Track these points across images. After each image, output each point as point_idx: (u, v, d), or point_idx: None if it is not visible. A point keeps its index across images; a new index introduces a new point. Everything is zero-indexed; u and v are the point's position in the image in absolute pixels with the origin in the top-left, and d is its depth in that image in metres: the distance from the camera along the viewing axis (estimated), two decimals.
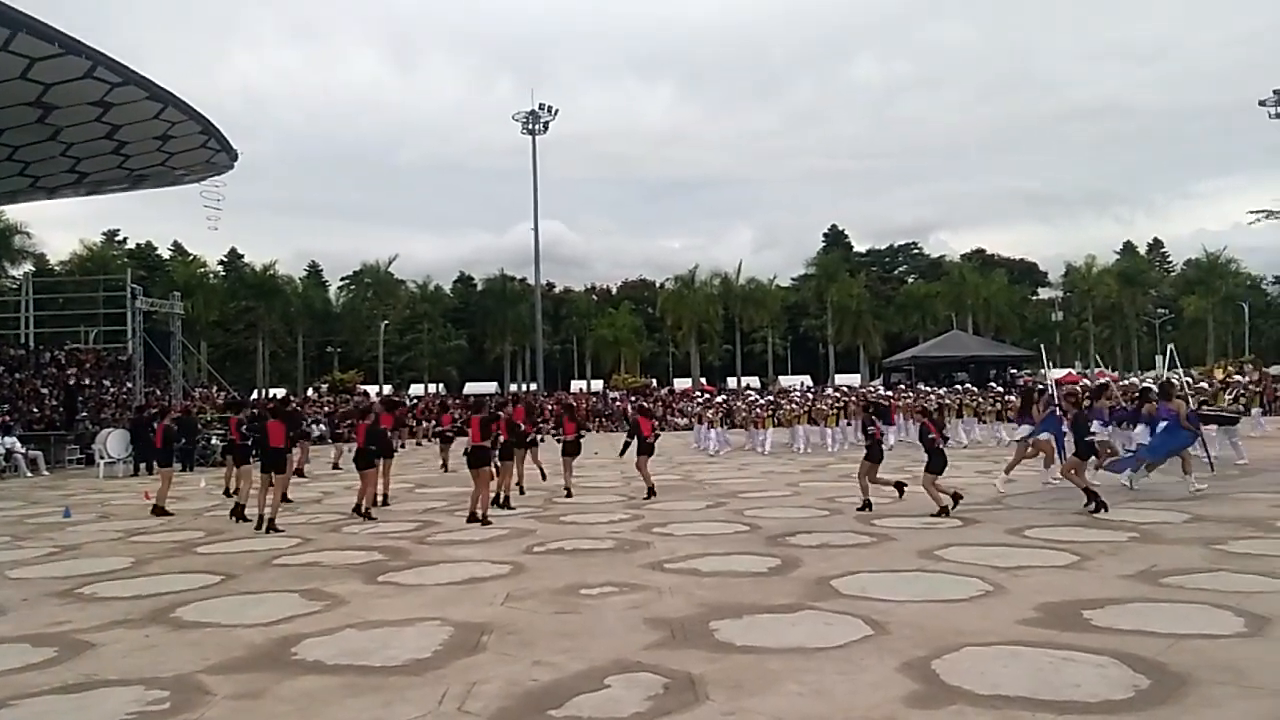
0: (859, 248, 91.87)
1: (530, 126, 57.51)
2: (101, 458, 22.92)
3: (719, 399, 32.50)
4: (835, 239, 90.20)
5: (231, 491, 15.17)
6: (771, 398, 30.08)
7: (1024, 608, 6.66)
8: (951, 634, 5.99)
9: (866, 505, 12.25)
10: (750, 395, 31.39)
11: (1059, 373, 63.77)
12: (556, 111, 58.08)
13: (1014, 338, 71.59)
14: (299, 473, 20.22)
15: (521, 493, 15.15)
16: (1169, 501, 12.33)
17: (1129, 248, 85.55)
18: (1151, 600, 6.86)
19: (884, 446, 13.65)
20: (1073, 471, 11.95)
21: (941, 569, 8.28)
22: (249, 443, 13.85)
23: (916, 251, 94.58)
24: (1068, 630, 6.05)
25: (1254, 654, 5.43)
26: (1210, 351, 67.61)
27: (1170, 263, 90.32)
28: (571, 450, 15.65)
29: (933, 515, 11.29)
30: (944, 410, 26.33)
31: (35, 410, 28.79)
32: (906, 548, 9.37)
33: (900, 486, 12.93)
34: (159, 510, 14.05)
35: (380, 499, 14.13)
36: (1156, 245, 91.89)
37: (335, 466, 21.96)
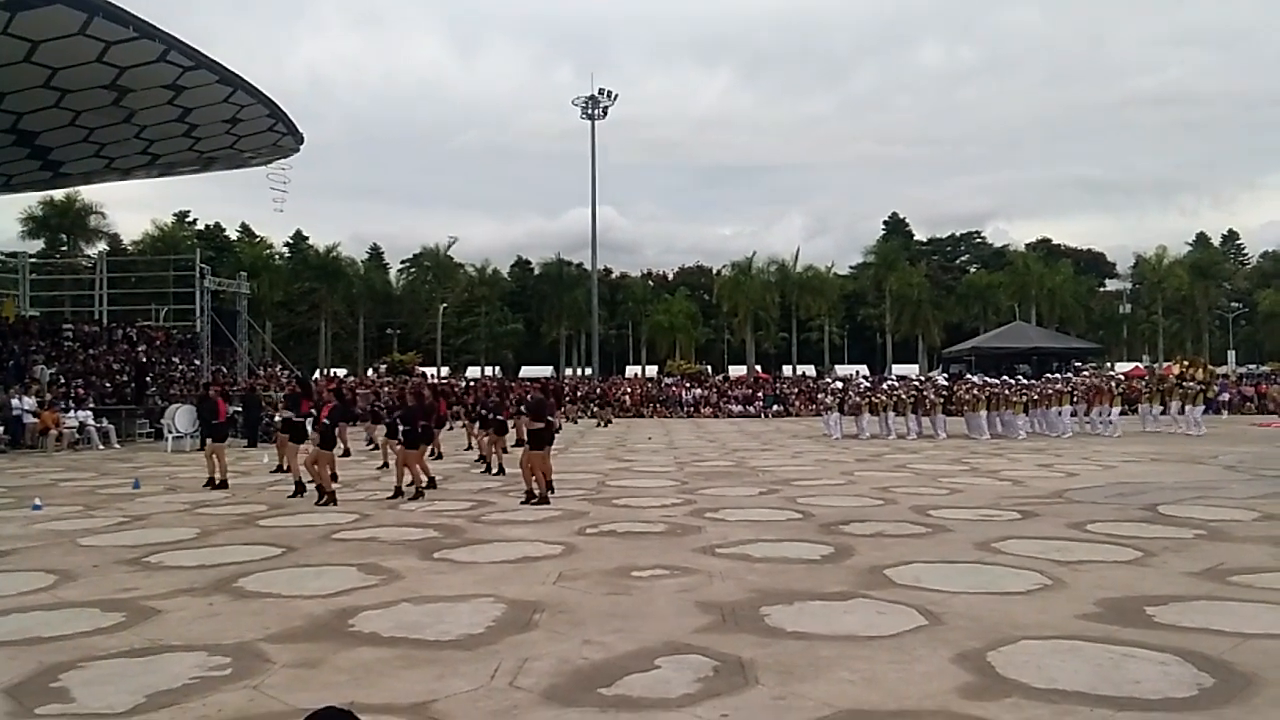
0: (919, 236, 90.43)
1: (590, 111, 57.67)
2: (170, 432, 23.57)
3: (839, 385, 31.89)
4: (895, 227, 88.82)
5: (286, 468, 15.58)
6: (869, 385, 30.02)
7: (1084, 602, 6.51)
8: (1008, 626, 5.88)
9: (529, 495, 12.41)
10: (860, 384, 31.00)
11: (1126, 366, 62.40)
12: (616, 96, 58.28)
13: (1079, 330, 69.91)
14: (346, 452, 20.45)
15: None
16: (1239, 499, 11.96)
17: (1202, 239, 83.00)
18: (1218, 598, 6.65)
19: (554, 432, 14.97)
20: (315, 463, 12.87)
21: (999, 561, 8.13)
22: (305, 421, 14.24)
23: (979, 240, 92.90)
24: (1129, 626, 5.90)
25: None
26: None
27: (1245, 255, 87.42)
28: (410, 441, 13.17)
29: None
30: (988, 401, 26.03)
31: (108, 385, 29.66)
32: (963, 539, 9.24)
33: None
34: (221, 484, 14.36)
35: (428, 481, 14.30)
36: (1231, 237, 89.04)
37: (371, 442, 22.03)
